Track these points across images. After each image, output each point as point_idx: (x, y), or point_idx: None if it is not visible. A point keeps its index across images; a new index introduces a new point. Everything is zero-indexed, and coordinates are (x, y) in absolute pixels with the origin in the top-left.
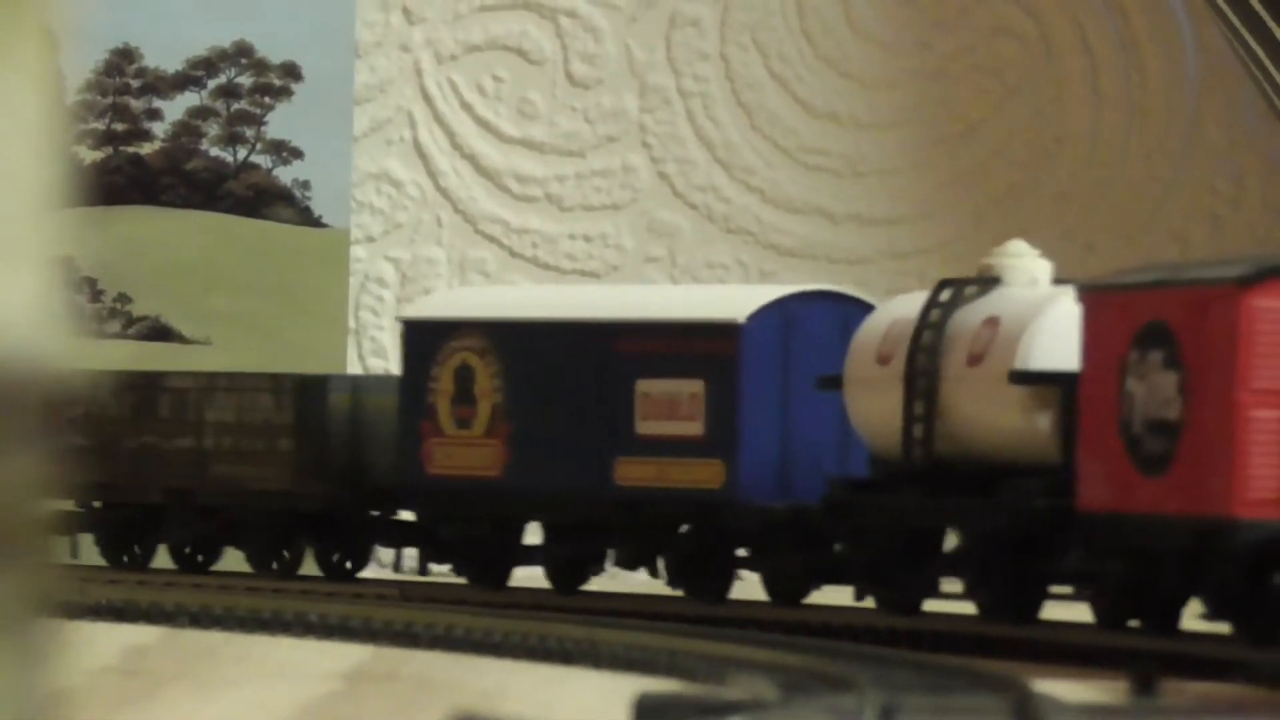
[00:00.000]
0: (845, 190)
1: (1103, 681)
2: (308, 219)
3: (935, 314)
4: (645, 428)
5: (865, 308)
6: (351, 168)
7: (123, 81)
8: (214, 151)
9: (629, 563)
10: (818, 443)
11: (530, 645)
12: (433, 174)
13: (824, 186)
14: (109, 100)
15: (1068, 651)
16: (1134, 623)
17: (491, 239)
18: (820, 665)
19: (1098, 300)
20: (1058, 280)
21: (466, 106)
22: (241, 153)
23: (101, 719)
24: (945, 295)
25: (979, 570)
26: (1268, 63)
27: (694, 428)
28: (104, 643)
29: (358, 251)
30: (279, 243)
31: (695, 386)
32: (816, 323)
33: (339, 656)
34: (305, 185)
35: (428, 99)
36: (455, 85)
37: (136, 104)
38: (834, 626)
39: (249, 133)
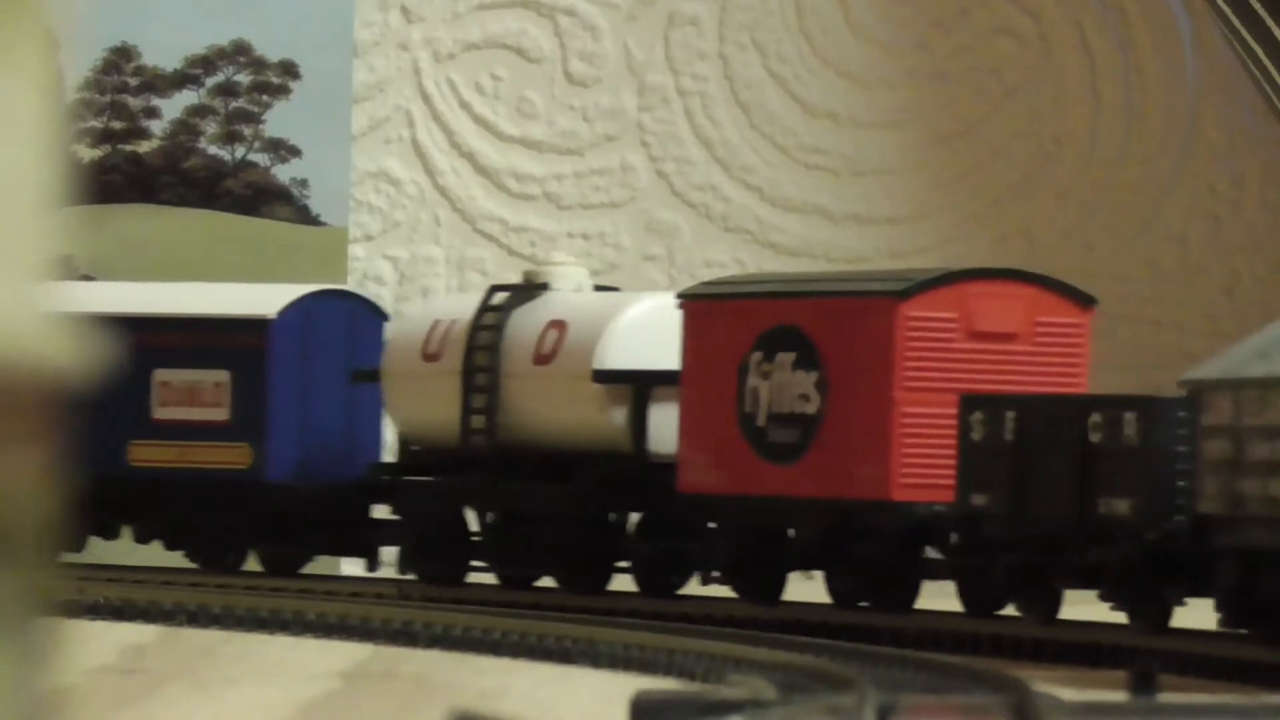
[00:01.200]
0: (844, 190)
1: (1102, 680)
2: (306, 217)
3: (490, 316)
4: (163, 413)
5: (371, 307)
6: (350, 166)
7: (121, 80)
8: (212, 150)
9: (144, 537)
10: (333, 429)
11: (529, 644)
12: (431, 173)
13: (823, 186)
14: (107, 98)
15: (1067, 650)
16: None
17: (490, 238)
18: (819, 664)
19: (703, 307)
20: (598, 287)
21: (465, 105)
22: (240, 151)
23: (100, 718)
24: (497, 299)
25: (555, 549)
26: (1267, 62)
27: (220, 414)
28: (102, 641)
29: (356, 250)
30: (277, 241)
31: (220, 376)
32: (329, 319)
33: (337, 655)
34: (303, 184)
35: (426, 98)
36: (454, 84)
37: (135, 102)
38: (832, 625)
39: (247, 131)
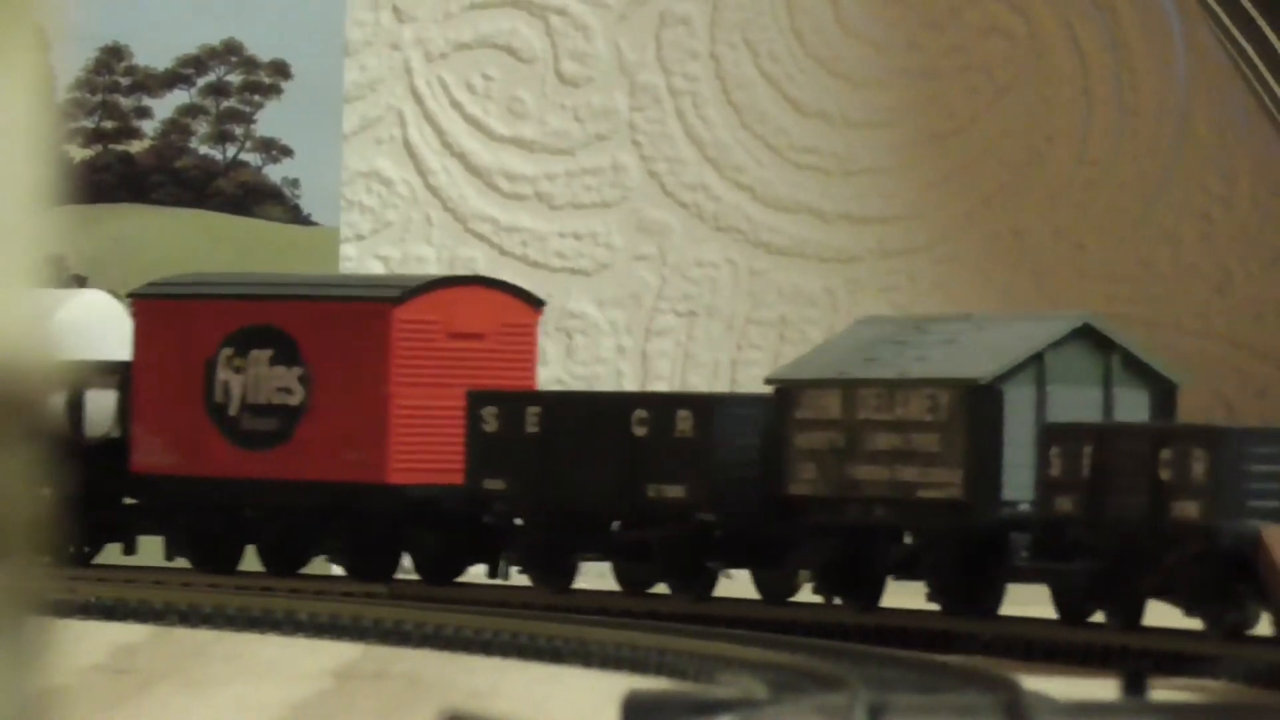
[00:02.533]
0: (835, 189)
1: (1093, 680)
2: (297, 217)
3: None
4: None
5: None
6: (341, 166)
7: (112, 79)
8: (203, 149)
9: None
10: None
11: (520, 644)
12: (422, 172)
13: (814, 185)
14: (99, 98)
15: (1058, 650)
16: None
17: (481, 237)
18: (810, 663)
19: (159, 306)
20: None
21: (456, 105)
22: (231, 151)
23: (91, 717)
24: None
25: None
26: (1258, 61)
27: None
28: (93, 641)
29: (347, 250)
30: (268, 241)
31: None
32: None
33: (329, 655)
34: (295, 183)
35: (417, 97)
36: (445, 84)
37: (126, 102)
38: (824, 624)
39: (238, 131)
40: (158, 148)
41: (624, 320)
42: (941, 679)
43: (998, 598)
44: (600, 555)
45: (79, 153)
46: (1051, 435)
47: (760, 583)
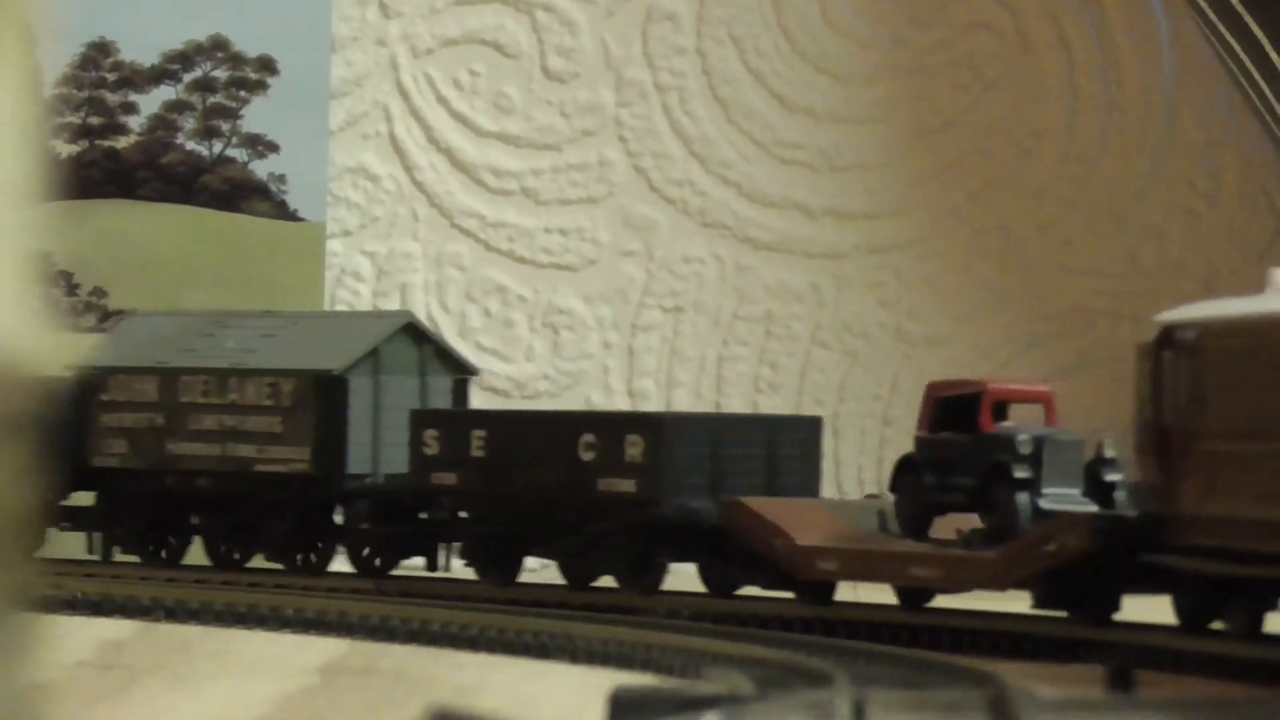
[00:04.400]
0: (822, 185)
1: (1079, 676)
2: (284, 213)
3: None
4: None
5: None
6: (328, 162)
7: (98, 75)
8: (190, 145)
9: None
10: None
11: (507, 640)
12: (409, 168)
13: (800, 181)
14: (85, 94)
15: (1042, 645)
16: None
17: (467, 233)
18: (796, 659)
19: None
20: None
21: (442, 100)
22: (217, 146)
23: (78, 713)
24: None
25: None
26: (1244, 58)
27: None
28: (80, 637)
29: (334, 245)
30: (255, 236)
31: None
32: None
33: (315, 650)
34: (281, 179)
35: (404, 93)
36: (431, 79)
37: (112, 98)
38: (810, 620)
39: (225, 127)
40: (144, 143)
41: (610, 316)
42: (927, 675)
43: (329, 559)
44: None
45: (65, 148)
46: (425, 420)
47: None
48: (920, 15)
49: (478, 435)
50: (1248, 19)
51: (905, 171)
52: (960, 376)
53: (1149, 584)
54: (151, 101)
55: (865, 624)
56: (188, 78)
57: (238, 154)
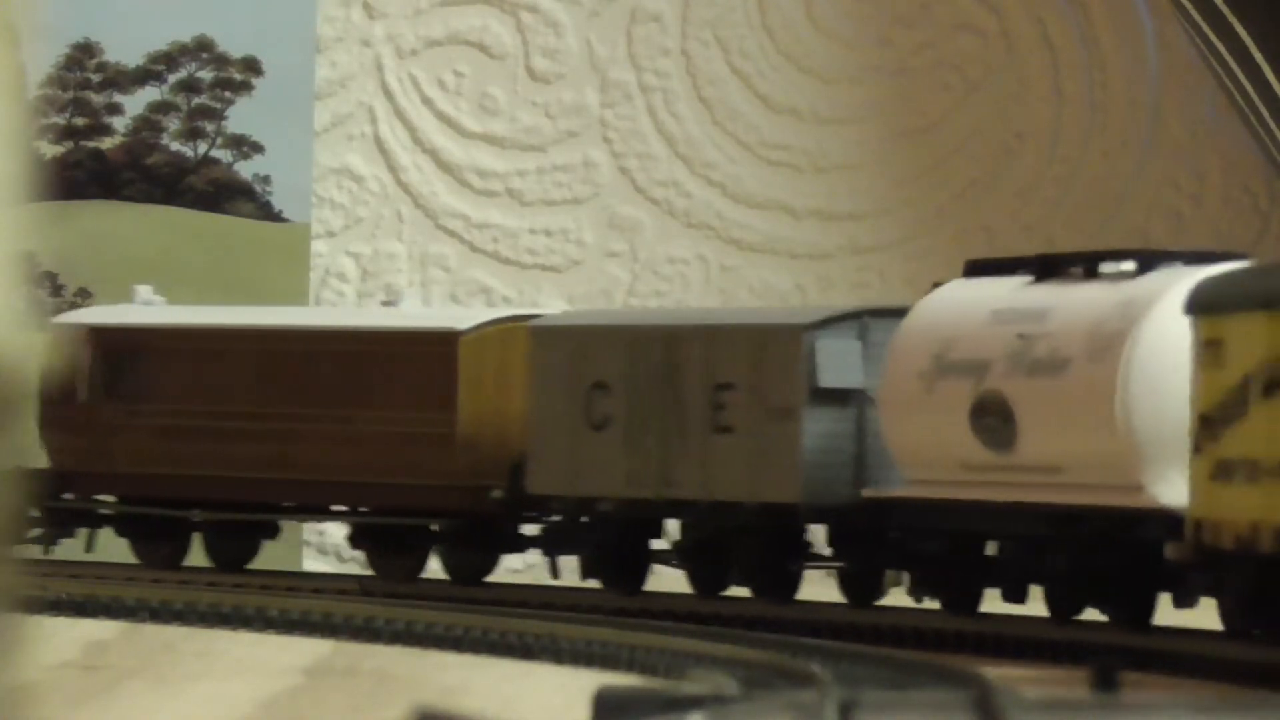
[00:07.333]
0: (806, 186)
1: (1064, 676)
2: (268, 214)
3: None
4: None
5: None
6: (312, 163)
7: (83, 76)
8: (174, 146)
9: None
10: None
11: (491, 640)
12: (393, 169)
13: (785, 182)
14: (69, 95)
15: (1027, 646)
16: None
17: (452, 234)
18: (780, 660)
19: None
20: None
21: (427, 101)
22: (202, 147)
23: (62, 714)
24: None
25: None
26: (1229, 58)
27: None
28: (64, 638)
29: (318, 246)
30: (240, 237)
31: None
32: None
33: (299, 651)
34: (266, 180)
35: (389, 94)
36: (416, 80)
37: (97, 99)
38: (793, 621)
39: (209, 127)
40: (129, 144)
41: None
42: (913, 675)
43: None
44: None
45: (50, 149)
46: None
47: None
48: (905, 16)
49: None
50: (1232, 20)
51: (890, 172)
52: None
53: None
54: (136, 102)
55: (849, 625)
56: (172, 79)
57: (222, 155)
